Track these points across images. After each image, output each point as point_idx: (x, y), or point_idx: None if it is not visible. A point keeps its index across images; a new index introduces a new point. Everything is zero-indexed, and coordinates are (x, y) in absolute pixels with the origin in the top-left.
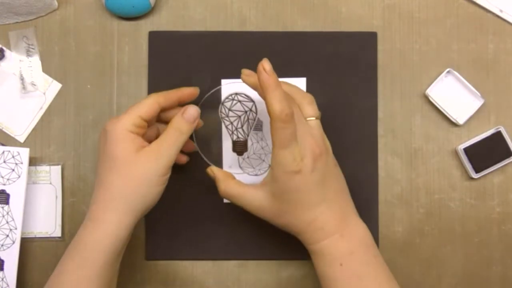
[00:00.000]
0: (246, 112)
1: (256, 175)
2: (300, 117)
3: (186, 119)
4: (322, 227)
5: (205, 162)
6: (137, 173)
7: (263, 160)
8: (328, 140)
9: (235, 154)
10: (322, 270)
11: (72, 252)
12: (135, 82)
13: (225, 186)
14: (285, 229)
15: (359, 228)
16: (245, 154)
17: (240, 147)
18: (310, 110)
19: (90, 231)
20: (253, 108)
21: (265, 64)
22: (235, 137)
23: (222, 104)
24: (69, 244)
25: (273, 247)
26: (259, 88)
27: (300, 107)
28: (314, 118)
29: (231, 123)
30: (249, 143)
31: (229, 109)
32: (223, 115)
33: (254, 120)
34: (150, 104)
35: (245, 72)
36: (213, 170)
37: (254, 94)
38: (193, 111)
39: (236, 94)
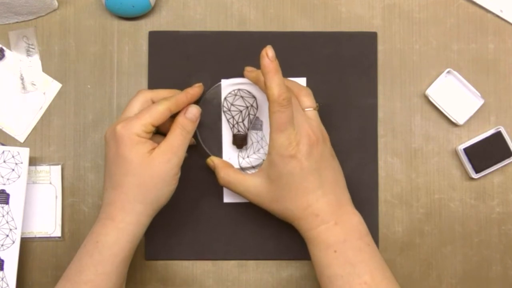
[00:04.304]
0: (247, 107)
1: None
2: (298, 106)
3: (190, 119)
4: (317, 213)
5: (205, 162)
6: (152, 175)
7: (263, 160)
8: (326, 132)
9: (234, 155)
10: (316, 257)
11: (90, 249)
12: (135, 82)
13: (224, 174)
14: (281, 215)
15: (354, 217)
16: (245, 154)
17: (240, 141)
18: (307, 101)
19: (108, 231)
20: (254, 104)
21: (269, 51)
22: (235, 131)
23: (225, 98)
24: (84, 240)
25: (273, 247)
26: (260, 81)
27: (298, 98)
28: (311, 109)
29: (233, 117)
30: (249, 143)
31: (232, 104)
32: (225, 109)
33: (255, 115)
34: (162, 112)
35: (248, 68)
36: (213, 159)
37: (255, 91)
38: (195, 110)
39: (239, 90)
